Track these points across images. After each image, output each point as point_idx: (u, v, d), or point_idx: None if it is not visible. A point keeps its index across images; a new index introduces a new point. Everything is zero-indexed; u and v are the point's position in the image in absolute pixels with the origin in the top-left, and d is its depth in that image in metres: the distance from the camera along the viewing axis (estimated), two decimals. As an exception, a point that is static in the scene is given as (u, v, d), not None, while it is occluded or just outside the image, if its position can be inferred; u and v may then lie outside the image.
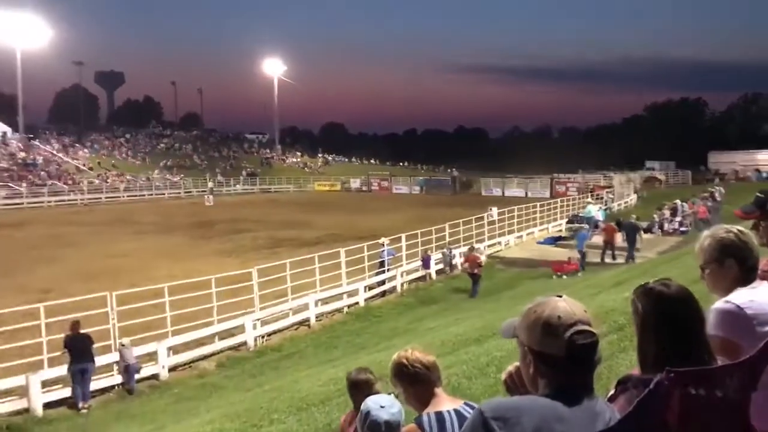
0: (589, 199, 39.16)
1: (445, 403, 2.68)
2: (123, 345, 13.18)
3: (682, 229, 30.24)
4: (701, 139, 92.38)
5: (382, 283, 21.51)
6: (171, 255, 27.21)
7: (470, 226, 27.29)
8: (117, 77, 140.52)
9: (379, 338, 15.30)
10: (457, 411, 2.66)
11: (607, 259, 23.94)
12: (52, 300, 15.44)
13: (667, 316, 1.90)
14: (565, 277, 21.46)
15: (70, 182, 59.82)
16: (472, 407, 2.61)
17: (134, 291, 15.08)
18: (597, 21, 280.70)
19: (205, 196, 55.24)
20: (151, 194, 61.57)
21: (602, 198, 43.63)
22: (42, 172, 60.55)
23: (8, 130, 74.06)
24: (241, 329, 16.09)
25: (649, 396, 1.59)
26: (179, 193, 64.06)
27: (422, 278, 23.05)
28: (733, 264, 2.47)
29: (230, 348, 15.80)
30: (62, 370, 12.35)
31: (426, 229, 24.51)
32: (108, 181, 63.44)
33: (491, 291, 20.60)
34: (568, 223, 33.71)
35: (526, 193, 57.48)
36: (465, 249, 25.02)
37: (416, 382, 2.64)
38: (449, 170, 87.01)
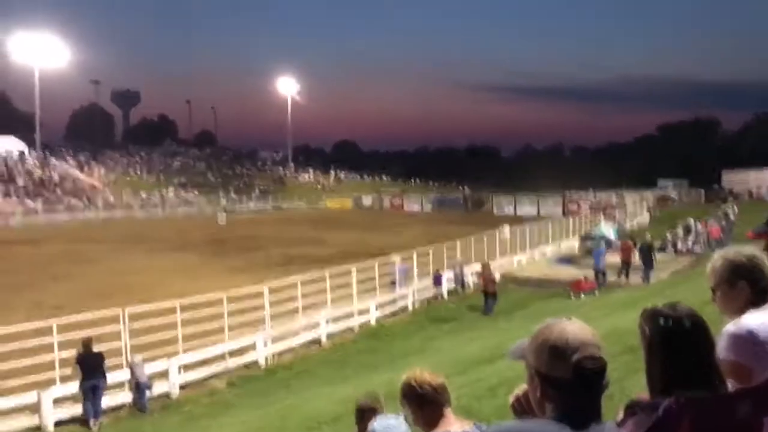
0: (602, 218, 38.99)
1: (454, 424, 2.66)
2: (134, 362, 13.19)
3: (695, 248, 29.97)
4: (714, 158, 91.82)
5: (394, 301, 21.43)
6: (184, 272, 27.29)
7: (482, 245, 27.22)
8: (133, 96, 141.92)
9: (391, 357, 15.23)
10: (465, 433, 2.64)
11: (622, 278, 23.81)
12: (65, 316, 15.51)
13: (674, 340, 1.87)
14: (583, 296, 21.31)
15: (85, 199, 60.31)
16: (481, 428, 2.59)
17: (146, 308, 15.10)
18: (610, 40, 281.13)
19: (218, 214, 55.53)
20: (165, 211, 61.96)
21: (614, 216, 43.41)
22: (58, 189, 61.11)
23: (26, 147, 75.00)
24: (252, 347, 16.06)
25: (658, 422, 1.58)
26: (193, 210, 64.42)
27: (434, 297, 22.97)
28: (744, 286, 2.45)
29: (241, 366, 15.75)
30: (74, 387, 12.35)
31: (437, 248, 24.45)
32: (123, 198, 63.91)
33: (503, 310, 20.49)
34: (580, 241, 33.56)
35: (539, 211, 57.31)
36: (476, 267, 25.01)
37: (425, 404, 2.62)
38: (461, 188, 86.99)
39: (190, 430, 11.65)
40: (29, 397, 11.99)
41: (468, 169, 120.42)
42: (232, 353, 15.69)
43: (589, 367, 1.65)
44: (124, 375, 13.38)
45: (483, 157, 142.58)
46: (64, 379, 12.59)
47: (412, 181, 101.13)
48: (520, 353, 1.83)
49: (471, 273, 24.76)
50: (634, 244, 25.10)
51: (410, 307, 21.72)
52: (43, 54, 68.51)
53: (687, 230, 32.07)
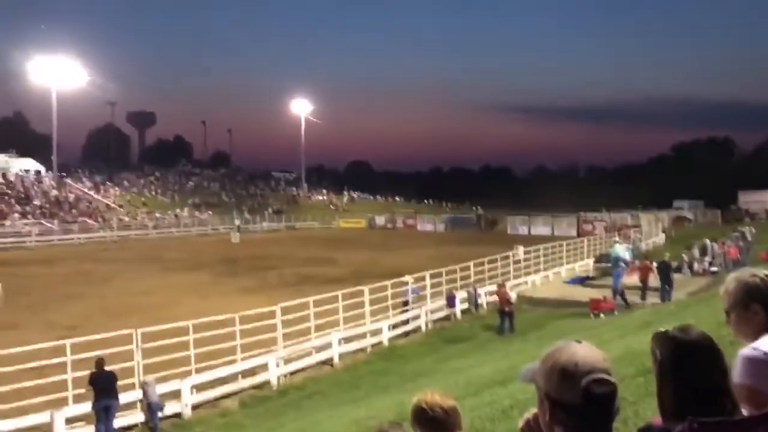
0: (617, 239, 38.71)
1: (465, 448, 2.62)
2: (146, 383, 13.17)
3: (712, 269, 29.64)
4: (730, 179, 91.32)
5: (407, 322, 21.32)
6: (197, 292, 27.38)
7: (495, 265, 27.11)
8: (148, 117, 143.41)
9: (403, 379, 15.11)
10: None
11: (637, 298, 23.60)
12: (79, 336, 15.57)
13: (686, 364, 1.83)
14: (602, 315, 21.12)
15: (100, 220, 60.80)
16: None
17: (159, 328, 15.12)
18: (623, 60, 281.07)
19: (232, 233, 55.80)
20: (179, 231, 62.33)
21: (630, 237, 43.10)
22: (73, 210, 61.68)
23: (42, 168, 75.93)
24: (264, 368, 16.01)
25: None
26: (207, 230, 64.76)
27: (447, 317, 22.84)
28: (759, 309, 2.40)
29: (253, 387, 15.69)
30: (86, 407, 12.35)
31: (451, 268, 24.37)
32: (137, 218, 64.37)
33: (517, 331, 20.32)
34: (595, 262, 33.30)
35: (553, 232, 57.04)
36: (490, 288, 24.89)
37: (436, 428, 2.58)
38: (474, 208, 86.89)
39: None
40: (42, 417, 11.98)
41: (482, 189, 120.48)
42: (245, 373, 15.66)
43: (598, 392, 1.62)
44: (136, 395, 13.37)
45: (497, 178, 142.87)
46: (78, 398, 12.60)
47: (426, 201, 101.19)
48: (531, 376, 1.81)
49: (485, 293, 24.65)
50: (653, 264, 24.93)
51: (423, 328, 21.60)
52: (61, 76, 69.52)
53: (703, 251, 31.75)
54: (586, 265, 33.39)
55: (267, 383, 15.93)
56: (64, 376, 12.73)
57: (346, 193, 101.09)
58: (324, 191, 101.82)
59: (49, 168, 74.80)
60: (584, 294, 25.95)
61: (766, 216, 61.59)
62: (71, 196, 66.17)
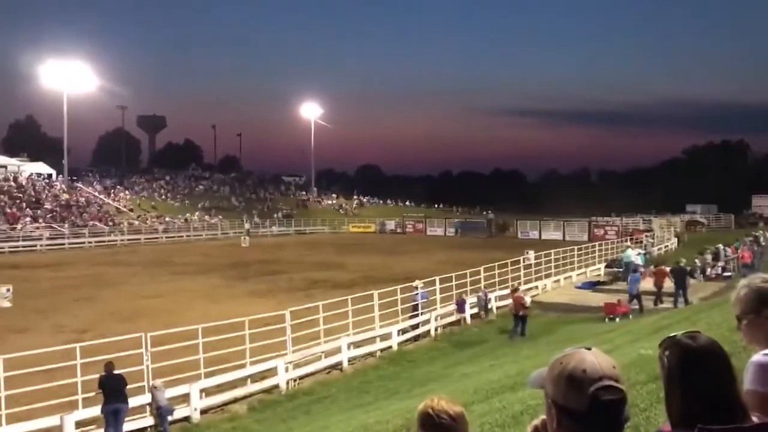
0: (628, 243, 38.54)
1: (473, 455, 2.57)
2: (155, 387, 13.18)
3: (725, 274, 29.46)
4: (743, 182, 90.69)
5: (416, 326, 21.26)
6: (207, 296, 27.44)
7: (506, 270, 27.01)
8: (159, 121, 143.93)
9: (412, 383, 15.05)
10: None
11: (651, 304, 23.48)
12: (89, 340, 15.62)
13: (693, 371, 1.79)
14: (617, 319, 21.03)
15: (110, 223, 61.09)
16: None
17: (168, 332, 15.14)
18: (635, 63, 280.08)
19: (242, 238, 55.95)
20: (189, 235, 62.53)
21: (641, 242, 42.90)
22: (84, 214, 62.02)
23: (53, 172, 76.43)
24: (273, 372, 15.99)
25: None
26: (216, 234, 64.91)
27: (456, 322, 22.76)
28: None
29: (262, 391, 15.67)
30: (96, 410, 12.38)
31: (461, 273, 24.29)
32: (147, 222, 64.63)
33: (528, 336, 20.23)
34: (606, 267, 33.16)
35: (564, 237, 56.81)
36: (500, 293, 24.83)
37: None
38: (485, 212, 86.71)
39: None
40: (52, 420, 12.00)
41: (492, 193, 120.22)
42: (254, 377, 15.64)
43: (605, 399, 1.59)
44: (145, 399, 13.38)
45: (507, 182, 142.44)
46: (87, 402, 12.62)
47: (436, 205, 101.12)
48: (540, 382, 1.79)
49: (495, 298, 24.57)
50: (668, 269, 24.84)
51: (433, 333, 21.54)
52: (72, 80, 69.99)
53: (716, 256, 31.56)
54: (597, 270, 33.24)
55: (276, 387, 15.91)
56: (73, 380, 12.74)
57: (355, 197, 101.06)
58: (334, 195, 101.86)
59: (60, 172, 75.25)
60: (595, 299, 25.87)
61: (779, 221, 61.10)
62: (82, 200, 66.51)
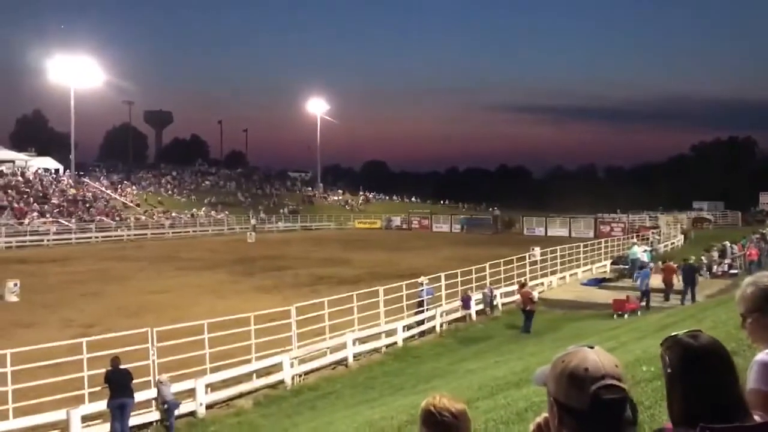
0: (635, 240, 38.43)
1: (476, 453, 2.57)
2: (161, 382, 13.22)
3: (731, 271, 29.35)
4: (751, 179, 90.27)
5: (422, 322, 21.28)
6: (213, 291, 27.52)
7: (511, 266, 26.99)
8: (165, 116, 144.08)
9: (417, 380, 15.07)
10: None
11: (660, 302, 23.48)
12: (95, 335, 15.70)
13: (694, 370, 1.79)
14: (626, 316, 21.02)
15: (117, 218, 61.29)
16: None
17: (174, 327, 15.20)
18: (642, 59, 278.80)
19: (248, 233, 56.06)
20: (196, 231, 62.70)
21: (648, 239, 42.77)
22: (91, 209, 62.22)
23: (60, 167, 76.70)
24: (278, 367, 16.02)
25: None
26: (223, 229, 65.07)
27: (462, 319, 22.76)
28: None
29: (267, 386, 15.71)
30: (102, 405, 12.43)
31: (466, 269, 24.28)
32: (154, 217, 64.81)
33: (533, 333, 20.23)
34: (612, 264, 33.09)
35: (570, 233, 56.72)
36: (505, 289, 24.82)
37: None
38: (491, 209, 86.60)
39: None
40: (59, 415, 12.07)
41: (498, 189, 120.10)
42: (259, 373, 15.68)
43: (607, 398, 1.59)
44: (151, 394, 13.43)
45: (514, 178, 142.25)
46: (93, 396, 12.68)
47: (442, 202, 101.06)
48: (543, 379, 1.79)
49: (500, 294, 24.57)
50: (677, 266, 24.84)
51: (438, 329, 21.55)
52: (79, 75, 70.20)
53: (722, 253, 31.46)
54: (603, 267, 33.18)
55: (281, 383, 15.94)
56: (80, 374, 12.80)
57: (361, 193, 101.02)
58: (339, 191, 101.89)
59: (67, 167, 75.47)
60: (601, 296, 25.84)
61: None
62: (89, 195, 66.74)
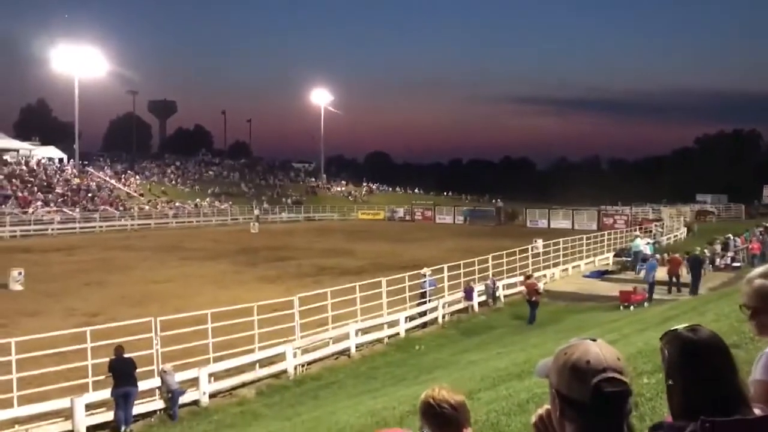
0: (637, 233, 38.40)
1: (475, 445, 2.58)
2: (165, 371, 13.29)
3: (734, 264, 29.33)
4: (755, 172, 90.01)
5: (424, 313, 21.32)
6: (216, 281, 27.58)
7: (514, 258, 26.99)
8: (170, 106, 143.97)
9: (419, 370, 15.11)
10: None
11: (662, 294, 23.48)
12: (99, 324, 15.76)
13: (693, 363, 1.80)
14: (632, 308, 21.03)
15: (121, 208, 61.38)
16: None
17: (178, 317, 15.25)
18: (647, 52, 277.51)
19: (251, 224, 56.12)
20: (199, 221, 62.76)
21: (651, 231, 42.73)
22: (95, 198, 62.31)
23: (64, 156, 76.75)
24: (281, 357, 16.08)
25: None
26: (226, 220, 65.13)
27: (464, 310, 22.79)
28: None
29: (270, 376, 15.77)
30: (106, 393, 12.51)
31: (469, 261, 24.29)
32: (157, 207, 64.88)
33: (535, 324, 20.26)
34: (615, 256, 33.08)
35: (573, 225, 56.65)
36: (508, 281, 24.86)
37: (444, 424, 2.54)
38: (494, 201, 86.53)
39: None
40: (63, 403, 12.14)
41: (502, 181, 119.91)
42: (262, 363, 15.73)
43: (608, 391, 1.60)
44: (155, 382, 13.50)
45: (518, 170, 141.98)
46: (97, 385, 12.75)
47: (445, 193, 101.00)
48: (546, 371, 1.80)
49: (502, 286, 24.60)
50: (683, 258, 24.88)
51: (440, 320, 21.59)
52: (83, 65, 70.16)
53: (725, 246, 31.43)
54: (606, 260, 33.18)
55: (284, 373, 16.01)
56: (84, 363, 12.86)
57: (365, 184, 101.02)
58: (343, 182, 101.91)
59: (71, 156, 75.52)
60: (603, 288, 25.87)
61: (790, 211, 60.64)
62: (93, 185, 66.82)
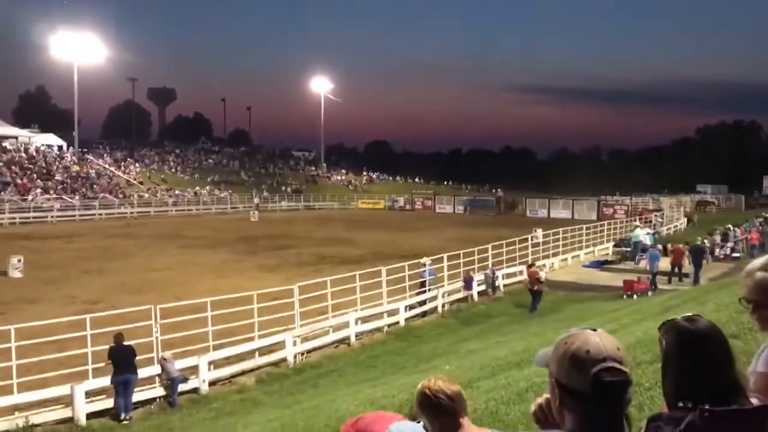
0: (637, 223, 38.41)
1: (472, 434, 2.57)
2: (164, 359, 13.32)
3: (734, 254, 29.36)
4: (755, 163, 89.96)
5: (423, 302, 21.35)
6: (215, 270, 27.59)
7: (514, 248, 27.00)
8: (169, 94, 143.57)
9: (419, 359, 15.14)
10: (484, 443, 2.56)
11: (663, 284, 23.53)
12: (99, 311, 15.77)
13: (690, 353, 1.80)
14: (635, 297, 21.08)
15: (120, 196, 61.33)
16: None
17: (178, 305, 15.27)
18: (648, 42, 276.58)
19: (251, 212, 56.09)
20: (199, 209, 62.73)
21: (651, 222, 42.74)
22: (94, 186, 62.25)
23: (64, 143, 76.60)
24: (281, 345, 16.11)
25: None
26: (226, 208, 65.09)
27: (463, 299, 22.82)
28: None
29: (270, 364, 15.80)
30: (106, 380, 12.55)
31: (469, 250, 24.30)
32: (157, 195, 64.83)
33: (535, 314, 20.29)
34: (615, 246, 33.10)
35: (573, 215, 56.65)
36: (507, 270, 24.90)
37: (440, 414, 2.54)
38: (494, 190, 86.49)
39: (217, 427, 11.72)
40: (63, 390, 12.18)
41: (503, 171, 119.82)
42: (262, 351, 15.77)
43: (608, 380, 1.60)
44: (155, 370, 13.54)
45: (518, 160, 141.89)
46: (97, 372, 12.79)
47: (445, 183, 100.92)
48: (545, 361, 1.80)
49: (502, 276, 24.63)
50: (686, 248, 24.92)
51: (440, 309, 21.63)
52: (83, 51, 69.91)
53: (725, 236, 31.43)
54: (605, 249, 33.20)
55: (284, 361, 16.04)
56: (84, 350, 12.89)
57: (365, 173, 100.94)
58: (343, 171, 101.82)
59: (70, 143, 75.37)
60: (603, 278, 25.91)
61: (790, 202, 60.63)
62: (92, 172, 66.72)
